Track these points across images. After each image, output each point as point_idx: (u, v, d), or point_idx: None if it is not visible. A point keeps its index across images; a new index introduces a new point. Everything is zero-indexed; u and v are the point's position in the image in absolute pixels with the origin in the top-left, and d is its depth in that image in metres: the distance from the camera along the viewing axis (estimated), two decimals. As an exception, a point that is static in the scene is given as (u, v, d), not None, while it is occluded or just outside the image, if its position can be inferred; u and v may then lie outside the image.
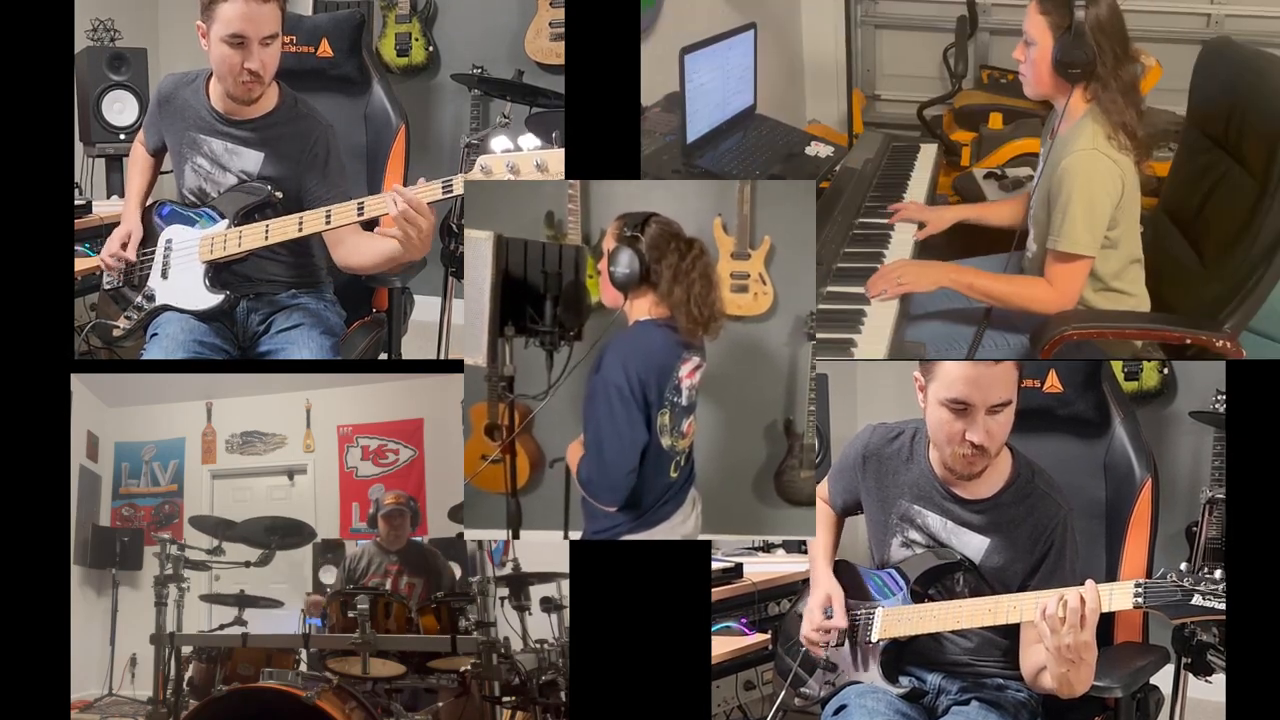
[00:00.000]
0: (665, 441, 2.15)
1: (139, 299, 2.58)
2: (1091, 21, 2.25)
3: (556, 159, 2.23)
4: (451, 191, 2.28)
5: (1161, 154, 3.04)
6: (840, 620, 2.15)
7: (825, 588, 2.19)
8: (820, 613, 2.17)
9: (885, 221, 2.81)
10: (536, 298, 2.22)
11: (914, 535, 2.14)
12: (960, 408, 1.96)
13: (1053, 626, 1.80)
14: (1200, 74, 2.59)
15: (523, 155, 2.23)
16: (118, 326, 2.57)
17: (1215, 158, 2.48)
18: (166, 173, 2.73)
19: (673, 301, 2.15)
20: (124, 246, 2.62)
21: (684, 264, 2.16)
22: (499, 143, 2.25)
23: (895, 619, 2.11)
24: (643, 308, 2.19)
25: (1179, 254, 2.53)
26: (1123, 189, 2.30)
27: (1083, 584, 1.83)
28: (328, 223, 2.43)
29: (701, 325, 2.16)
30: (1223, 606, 1.78)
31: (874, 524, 2.23)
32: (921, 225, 2.78)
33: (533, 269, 2.22)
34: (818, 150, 3.01)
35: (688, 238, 2.20)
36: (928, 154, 3.28)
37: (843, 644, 2.15)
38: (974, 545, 2.08)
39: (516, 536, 2.32)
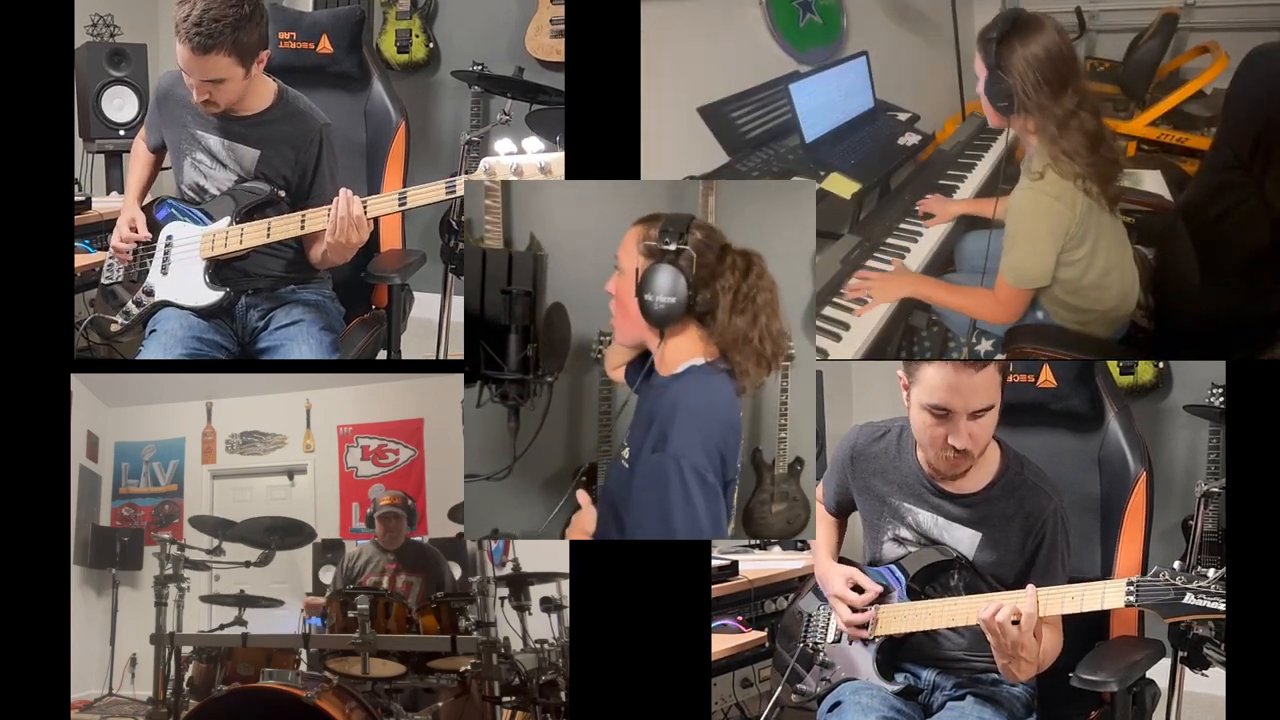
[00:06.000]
0: (729, 528, 1.73)
1: (138, 294, 2.58)
2: (1020, 58, 2.21)
3: (560, 162, 2.22)
4: (455, 192, 2.29)
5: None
6: (873, 588, 2.14)
7: (841, 571, 2.20)
8: (850, 594, 2.16)
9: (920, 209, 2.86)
10: (496, 331, 1.67)
11: (904, 533, 2.15)
12: (941, 413, 1.97)
13: (990, 628, 1.92)
14: (1238, 84, 2.41)
15: (526, 158, 2.21)
16: (116, 322, 2.57)
17: (1237, 178, 2.35)
18: (167, 169, 2.74)
19: (730, 338, 1.67)
20: (133, 230, 2.62)
21: (746, 286, 1.67)
22: (503, 145, 2.22)
23: (892, 616, 2.12)
24: (688, 348, 1.69)
25: (1182, 264, 2.46)
26: (1073, 216, 2.26)
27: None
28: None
29: (767, 368, 1.71)
30: (1216, 606, 1.81)
31: (866, 522, 2.24)
32: (929, 216, 2.85)
33: (487, 288, 1.67)
34: (908, 139, 3.04)
35: (741, 249, 1.71)
36: (1003, 142, 3.20)
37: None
38: (965, 540, 2.09)
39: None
